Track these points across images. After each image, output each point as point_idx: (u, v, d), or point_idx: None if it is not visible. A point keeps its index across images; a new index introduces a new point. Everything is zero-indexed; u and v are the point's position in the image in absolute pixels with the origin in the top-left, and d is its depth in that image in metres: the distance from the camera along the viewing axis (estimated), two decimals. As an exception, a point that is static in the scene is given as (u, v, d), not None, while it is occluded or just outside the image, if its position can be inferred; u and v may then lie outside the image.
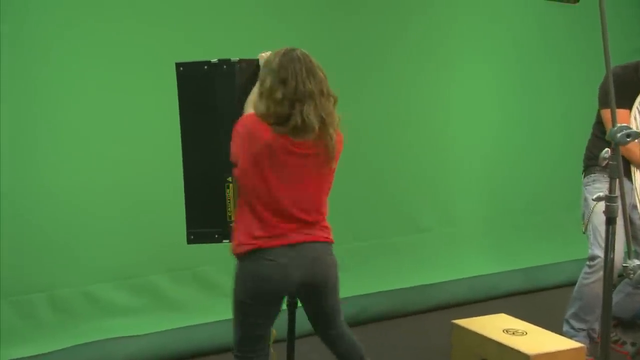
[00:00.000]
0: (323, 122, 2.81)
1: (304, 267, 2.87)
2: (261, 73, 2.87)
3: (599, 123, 4.05)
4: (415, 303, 5.03)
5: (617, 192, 2.57)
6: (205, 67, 3.06)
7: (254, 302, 2.89)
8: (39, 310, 4.05)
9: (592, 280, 3.91)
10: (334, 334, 3.11)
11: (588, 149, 4.14)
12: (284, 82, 2.77)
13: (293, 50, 2.85)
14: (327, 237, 2.95)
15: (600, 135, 3.99)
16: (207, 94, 3.07)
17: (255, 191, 2.83)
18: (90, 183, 4.18)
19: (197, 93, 3.09)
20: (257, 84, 2.88)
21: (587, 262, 3.97)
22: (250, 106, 2.92)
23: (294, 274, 2.86)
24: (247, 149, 2.81)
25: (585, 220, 4.00)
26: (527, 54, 5.79)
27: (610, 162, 2.52)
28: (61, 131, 4.08)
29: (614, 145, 2.51)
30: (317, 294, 2.98)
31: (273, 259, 2.83)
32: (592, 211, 3.89)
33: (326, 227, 2.97)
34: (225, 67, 3.04)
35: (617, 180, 2.57)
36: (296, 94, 2.76)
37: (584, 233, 4.04)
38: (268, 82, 2.79)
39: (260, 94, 2.82)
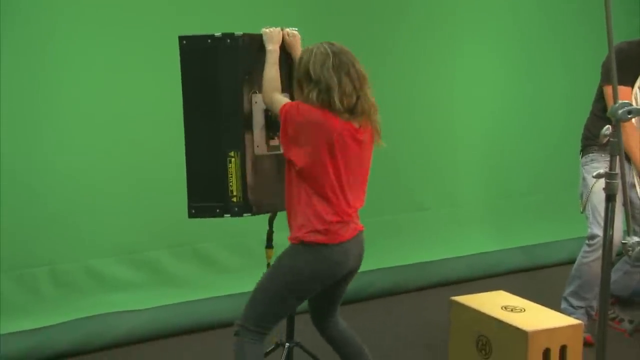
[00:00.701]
0: (374, 107, 2.94)
1: (357, 255, 3.01)
2: (317, 70, 2.86)
3: (599, 101, 4.03)
4: (416, 280, 5.06)
5: (617, 170, 2.57)
6: (209, 40, 3.05)
7: (310, 284, 2.95)
8: (41, 283, 4.08)
9: (591, 259, 3.93)
10: (333, 320, 3.21)
11: (587, 128, 4.13)
12: (348, 74, 2.87)
13: (331, 44, 2.92)
14: (363, 226, 3.06)
15: (599, 114, 3.98)
16: (210, 67, 3.06)
17: (323, 179, 2.87)
18: (93, 159, 4.19)
19: (200, 66, 3.08)
20: (313, 80, 2.86)
21: (586, 241, 3.98)
22: (284, 100, 2.95)
23: (351, 261, 2.98)
24: (315, 139, 2.84)
25: (583, 199, 4.00)
26: (530, 35, 5.78)
27: (611, 139, 2.52)
28: (64, 107, 4.09)
29: (615, 122, 2.50)
30: (348, 279, 3.10)
31: (341, 248, 2.92)
32: (590, 190, 3.90)
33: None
34: (228, 41, 3.03)
35: (617, 157, 2.57)
36: (359, 82, 2.89)
37: (581, 213, 4.05)
38: (334, 78, 2.84)
39: (328, 89, 2.83)
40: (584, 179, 4.05)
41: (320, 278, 2.95)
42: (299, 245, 2.92)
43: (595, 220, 3.92)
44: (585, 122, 4.15)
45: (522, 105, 5.81)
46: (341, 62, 2.87)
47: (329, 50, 2.88)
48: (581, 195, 4.06)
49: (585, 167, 4.05)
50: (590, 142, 4.05)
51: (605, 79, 3.91)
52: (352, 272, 3.06)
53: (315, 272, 2.93)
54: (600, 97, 4.03)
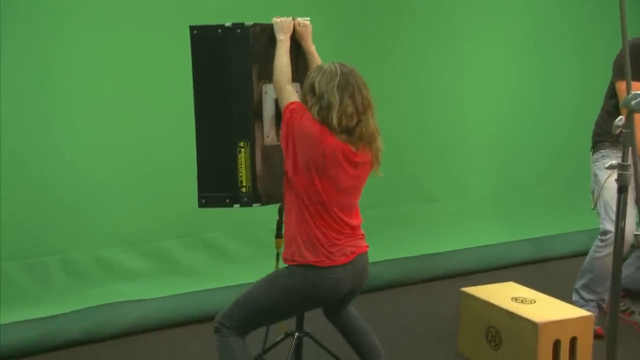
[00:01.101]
0: (377, 132, 2.94)
1: (355, 278, 3.01)
2: (322, 86, 2.87)
3: (611, 98, 4.02)
4: (424, 272, 5.06)
5: (630, 161, 2.56)
6: (219, 30, 3.05)
7: (302, 305, 3.02)
8: (51, 272, 4.10)
9: (603, 254, 3.92)
10: (344, 312, 3.25)
11: (598, 124, 4.11)
12: (352, 96, 2.86)
13: (342, 65, 2.93)
14: (367, 247, 3.06)
15: (611, 111, 3.97)
16: (220, 57, 3.06)
17: (312, 194, 2.88)
18: (103, 148, 4.20)
19: (210, 56, 3.08)
20: (316, 95, 2.87)
21: (599, 237, 3.97)
22: (293, 95, 2.96)
23: (347, 285, 2.98)
24: (308, 152, 2.85)
25: (595, 196, 3.99)
26: (542, 27, 5.75)
27: (624, 130, 2.51)
28: (73, 97, 4.09)
29: (628, 113, 2.49)
30: (350, 298, 3.13)
31: (333, 275, 2.92)
32: (602, 186, 3.88)
33: (363, 234, 3.06)
34: (239, 31, 3.03)
35: (630, 149, 2.55)
36: (362, 106, 2.89)
37: (592, 209, 4.04)
38: (337, 97, 2.85)
39: (329, 106, 2.84)
40: (595, 175, 4.03)
41: (311, 302, 2.99)
42: (294, 267, 2.93)
43: (607, 216, 3.91)
44: (597, 118, 4.14)
45: (532, 97, 5.79)
46: (347, 83, 2.87)
47: (338, 70, 2.89)
48: (592, 192, 4.05)
49: (596, 163, 4.03)
50: (601, 139, 4.03)
51: (618, 74, 3.90)
52: (353, 292, 3.06)
53: (307, 297, 2.94)
54: (611, 94, 4.02)
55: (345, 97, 2.85)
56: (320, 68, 2.93)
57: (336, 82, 2.86)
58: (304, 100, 2.94)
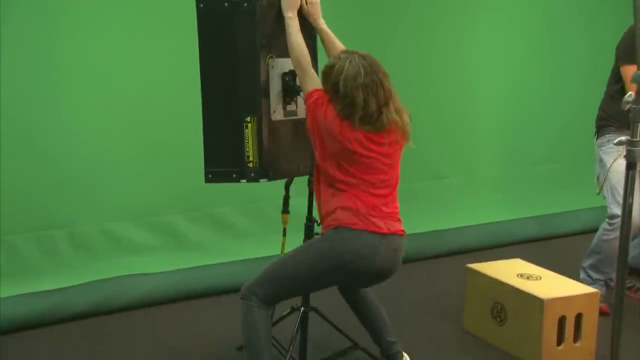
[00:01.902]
0: (399, 114, 2.94)
1: (389, 257, 2.98)
2: (347, 87, 2.85)
3: (615, 83, 3.97)
4: (431, 248, 5.06)
5: (639, 137, 2.54)
6: (226, 3, 3.02)
7: (333, 274, 2.94)
8: (59, 245, 4.11)
9: (612, 237, 3.90)
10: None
11: (602, 109, 4.07)
12: (375, 94, 2.87)
13: (363, 58, 2.90)
14: (404, 231, 3.05)
15: (615, 95, 3.93)
16: (227, 31, 3.04)
17: (342, 175, 2.90)
18: (110, 122, 4.20)
19: (217, 30, 3.06)
20: (340, 94, 2.86)
21: (607, 220, 3.95)
22: (316, 81, 2.96)
23: (380, 259, 2.95)
24: (333, 144, 2.87)
25: (600, 180, 3.96)
26: (552, 3, 5.69)
27: (634, 106, 2.49)
28: (81, 72, 4.08)
29: (638, 89, 2.47)
30: (380, 279, 3.08)
31: (368, 241, 2.91)
32: (608, 170, 3.86)
33: (400, 219, 3.06)
34: (246, 4, 3.00)
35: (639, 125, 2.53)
36: (384, 99, 2.89)
37: (597, 194, 4.01)
38: (361, 97, 2.84)
39: (353, 105, 2.85)
40: (600, 159, 4.00)
41: (345, 269, 2.92)
42: (329, 231, 2.94)
43: (614, 200, 3.88)
44: (600, 104, 4.10)
45: (540, 74, 5.76)
46: (372, 82, 2.86)
47: (361, 67, 2.87)
48: (598, 177, 4.02)
49: (602, 148, 4.00)
50: (606, 123, 4.01)
51: (625, 58, 3.84)
52: (384, 272, 3.00)
53: (340, 265, 2.90)
54: (615, 79, 3.98)
55: (370, 97, 2.86)
56: (342, 62, 2.89)
57: (360, 82, 2.85)
58: (325, 88, 2.93)
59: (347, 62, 2.88)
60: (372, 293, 3.29)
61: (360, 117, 2.85)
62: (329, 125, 2.87)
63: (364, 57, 2.91)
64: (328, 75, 2.91)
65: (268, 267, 3.01)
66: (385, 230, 2.93)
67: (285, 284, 2.97)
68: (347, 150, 2.87)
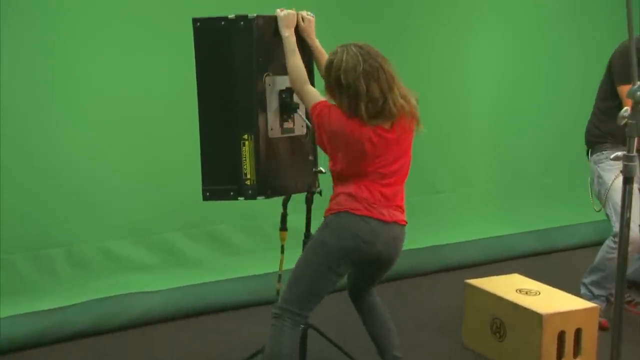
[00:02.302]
0: (405, 99, 2.95)
1: (388, 245, 3.02)
2: (348, 77, 2.87)
3: (607, 99, 3.97)
4: (429, 263, 5.05)
5: (635, 152, 2.54)
6: (223, 22, 3.04)
7: (341, 259, 2.96)
8: (57, 264, 4.10)
9: (616, 254, 3.88)
10: (367, 294, 3.31)
11: (594, 125, 4.07)
12: (377, 80, 2.88)
13: (358, 46, 2.92)
14: (406, 222, 3.10)
15: (607, 111, 3.93)
16: (223, 49, 3.06)
17: (361, 175, 2.94)
18: (108, 140, 4.19)
19: (213, 49, 3.08)
20: (344, 86, 2.88)
21: (612, 238, 3.93)
22: (316, 95, 2.99)
23: (380, 245, 2.99)
24: (347, 147, 2.90)
25: (602, 198, 3.95)
26: (546, 13, 5.72)
27: (630, 121, 2.50)
28: (79, 87, 4.08)
29: (634, 104, 2.47)
30: (382, 267, 3.15)
31: (368, 223, 2.95)
32: (610, 188, 3.86)
33: (404, 210, 3.10)
34: (242, 23, 3.02)
35: (636, 139, 2.54)
36: (387, 83, 2.90)
37: (598, 211, 4.01)
38: (363, 84, 2.86)
39: (357, 95, 2.86)
40: (599, 176, 3.99)
41: (349, 254, 2.95)
42: (330, 216, 2.97)
43: (619, 218, 3.86)
44: (591, 119, 4.11)
45: (537, 86, 5.77)
46: (371, 68, 2.88)
47: (359, 55, 2.89)
48: (599, 193, 4.02)
49: (600, 165, 4.00)
50: (601, 140, 4.01)
51: (621, 80, 3.84)
52: (384, 259, 3.04)
53: (344, 247, 2.93)
54: (606, 95, 3.99)
55: (371, 82, 2.87)
56: (339, 55, 2.91)
57: (360, 70, 2.87)
58: (330, 92, 2.95)
59: (345, 54, 2.90)
60: (384, 307, 3.30)
61: (365, 106, 2.85)
62: (336, 128, 2.89)
63: (360, 46, 2.93)
64: (329, 71, 2.93)
65: (289, 280, 3.03)
66: (387, 218, 2.96)
67: (308, 287, 2.99)
68: (359, 152, 2.89)
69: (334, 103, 2.95)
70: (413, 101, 2.98)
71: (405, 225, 3.07)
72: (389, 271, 3.18)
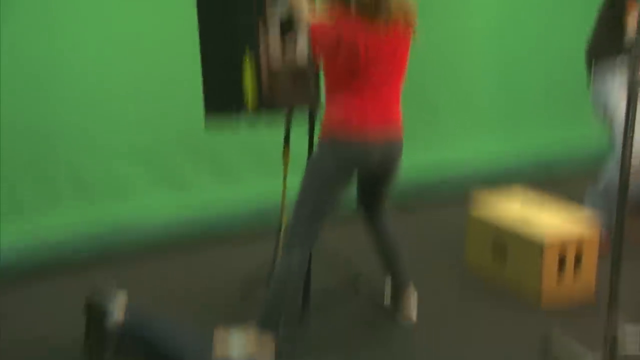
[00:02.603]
0: (400, 5, 2.90)
1: (384, 150, 3.05)
2: None
3: (609, 17, 3.92)
4: (430, 183, 5.11)
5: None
6: None
7: (337, 172, 2.99)
8: (61, 187, 4.11)
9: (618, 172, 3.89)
10: (378, 216, 3.34)
11: (597, 39, 4.01)
12: None
13: None
14: (400, 128, 3.09)
15: (610, 23, 3.87)
16: None
17: (353, 83, 2.91)
18: (112, 60, 4.12)
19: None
20: None
21: (614, 152, 3.93)
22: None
23: (374, 160, 3.03)
24: (341, 54, 2.85)
25: (609, 110, 3.93)
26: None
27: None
28: (82, 6, 4.01)
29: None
30: (383, 179, 3.21)
31: (357, 146, 2.97)
32: (616, 107, 3.84)
33: (399, 118, 3.09)
34: None
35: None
36: None
37: (599, 120, 4.00)
38: None
39: None
40: (601, 92, 3.97)
41: (344, 168, 2.98)
42: (323, 143, 2.98)
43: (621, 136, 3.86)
44: (593, 33, 4.04)
45: (540, 7, 5.71)
46: None
47: None
48: (600, 104, 4.00)
49: (605, 75, 3.96)
50: (603, 52, 3.96)
51: None
52: (380, 170, 3.08)
53: (337, 164, 2.96)
54: (610, 4, 3.93)
55: None
56: None
57: None
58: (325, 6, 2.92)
59: None
60: (396, 235, 3.34)
61: (356, 6, 2.82)
62: (327, 31, 2.86)
63: None
64: None
65: (294, 205, 3.04)
66: (380, 131, 2.97)
67: (311, 207, 2.99)
68: (352, 56, 2.84)
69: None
70: (407, 6, 2.93)
71: (400, 136, 3.06)
72: (389, 184, 3.20)
